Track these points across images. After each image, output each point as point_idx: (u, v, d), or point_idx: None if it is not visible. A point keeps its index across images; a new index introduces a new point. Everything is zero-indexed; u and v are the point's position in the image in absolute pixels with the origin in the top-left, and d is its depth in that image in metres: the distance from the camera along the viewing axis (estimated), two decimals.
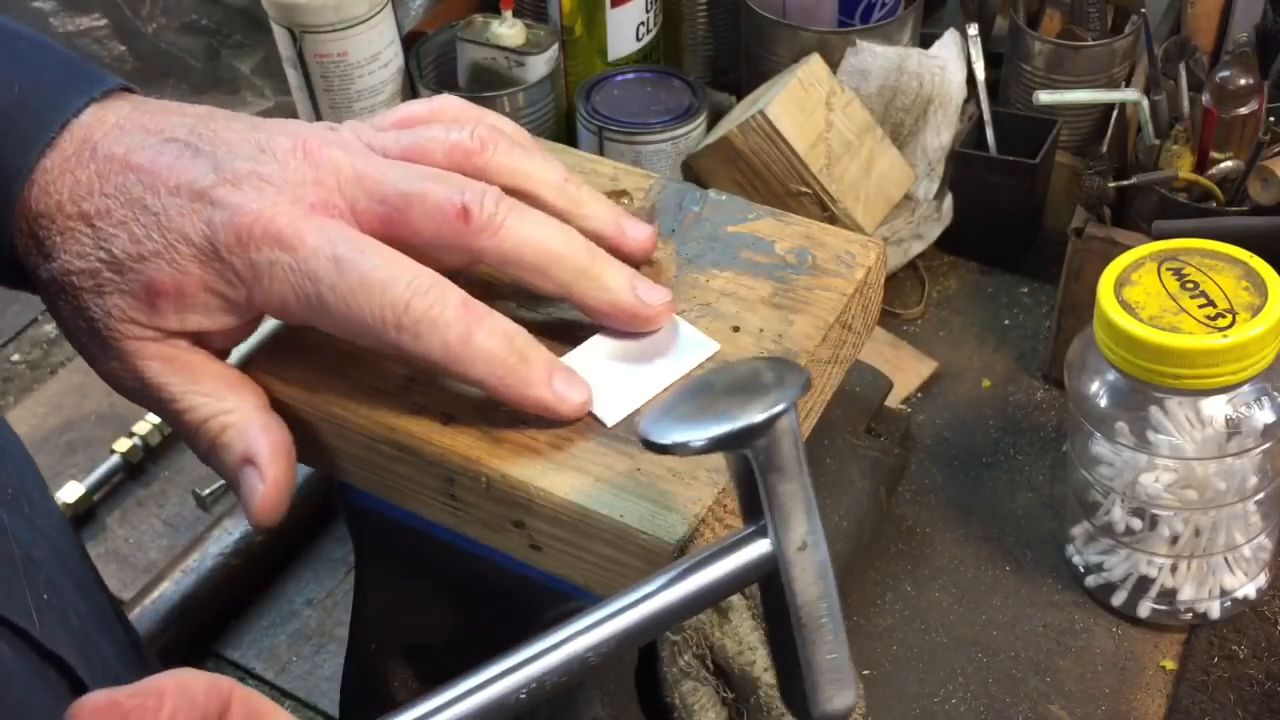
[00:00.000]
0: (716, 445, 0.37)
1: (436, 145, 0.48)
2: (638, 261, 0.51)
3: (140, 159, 0.45)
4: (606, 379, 0.47)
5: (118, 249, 0.45)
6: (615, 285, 0.47)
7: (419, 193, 0.45)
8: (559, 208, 0.49)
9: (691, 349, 0.48)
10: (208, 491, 0.86)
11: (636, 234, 0.51)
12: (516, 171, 0.49)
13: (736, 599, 0.61)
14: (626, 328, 0.48)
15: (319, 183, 0.45)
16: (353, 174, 0.46)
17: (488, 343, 0.44)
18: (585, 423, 0.46)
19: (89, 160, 0.45)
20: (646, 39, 1.06)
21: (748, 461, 0.38)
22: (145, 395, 0.47)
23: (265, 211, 0.44)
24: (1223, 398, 0.66)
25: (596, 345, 0.48)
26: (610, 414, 0.46)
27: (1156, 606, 0.74)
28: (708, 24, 1.10)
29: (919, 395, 0.90)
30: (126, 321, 0.45)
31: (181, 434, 0.48)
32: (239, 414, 0.46)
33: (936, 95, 0.95)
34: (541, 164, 0.50)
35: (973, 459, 0.85)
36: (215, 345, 0.47)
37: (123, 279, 0.45)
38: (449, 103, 0.51)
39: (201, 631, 0.77)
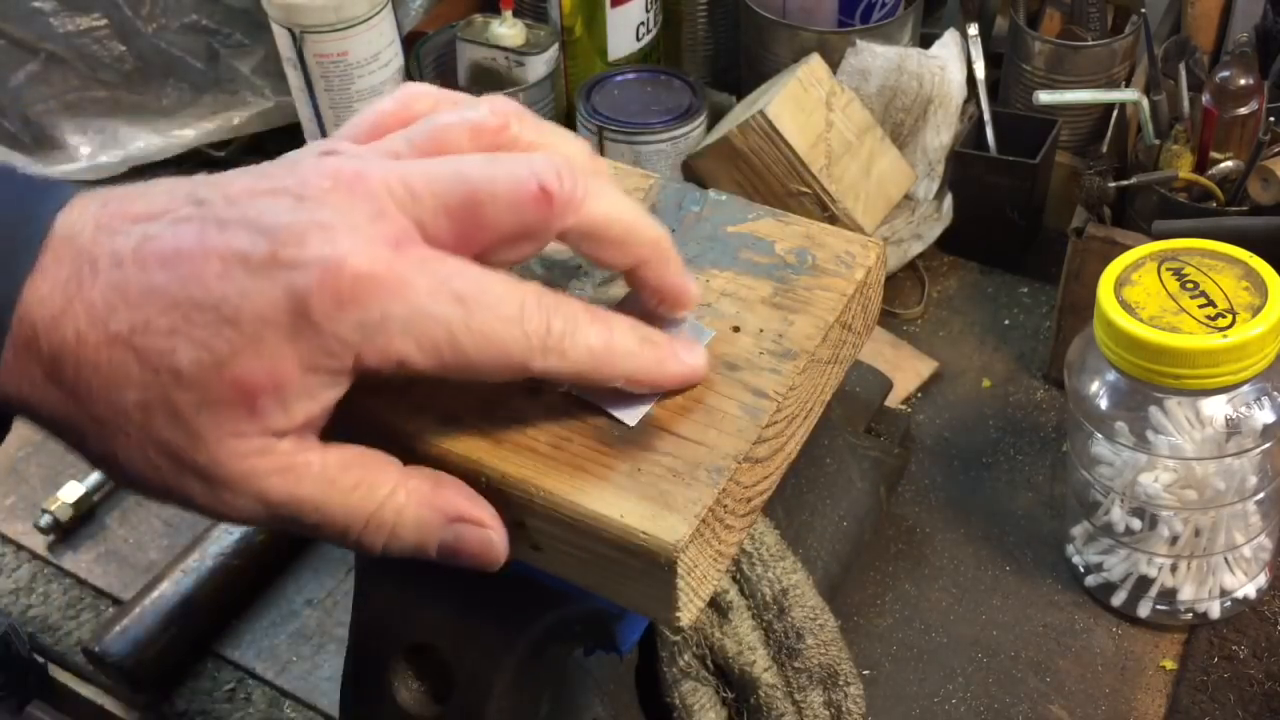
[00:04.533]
0: None
1: (456, 132, 0.43)
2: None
3: (159, 251, 0.38)
4: None
5: (183, 362, 0.37)
6: (679, 262, 0.46)
7: (487, 188, 0.40)
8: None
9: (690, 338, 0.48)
10: None
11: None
12: (546, 145, 0.44)
13: (736, 599, 0.61)
14: (670, 309, 0.47)
15: (382, 215, 0.39)
16: (405, 191, 0.40)
17: (625, 341, 0.43)
18: (589, 423, 0.46)
19: (93, 275, 0.38)
20: (646, 39, 1.06)
21: None
22: (278, 518, 0.40)
23: (353, 261, 0.37)
24: (1222, 398, 0.66)
25: None
26: (629, 415, 0.46)
27: (1157, 606, 0.74)
28: (708, 24, 1.10)
29: (919, 395, 0.90)
30: (227, 438, 0.38)
31: (339, 543, 0.42)
32: (402, 491, 0.42)
33: (936, 95, 0.95)
34: (562, 133, 0.45)
35: (973, 459, 0.85)
36: (318, 426, 0.41)
37: (204, 393, 0.37)
38: (415, 89, 0.46)
39: (201, 631, 0.77)
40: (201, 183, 0.40)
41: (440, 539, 0.42)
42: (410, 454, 0.47)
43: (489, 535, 0.43)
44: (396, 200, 0.39)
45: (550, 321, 0.40)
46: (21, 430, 0.95)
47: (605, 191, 0.42)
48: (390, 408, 0.48)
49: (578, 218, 0.41)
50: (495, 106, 0.44)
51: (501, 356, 0.40)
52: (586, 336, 0.41)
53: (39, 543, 0.85)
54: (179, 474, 0.39)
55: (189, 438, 0.38)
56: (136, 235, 0.38)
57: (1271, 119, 0.81)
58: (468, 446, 0.46)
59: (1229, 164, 0.83)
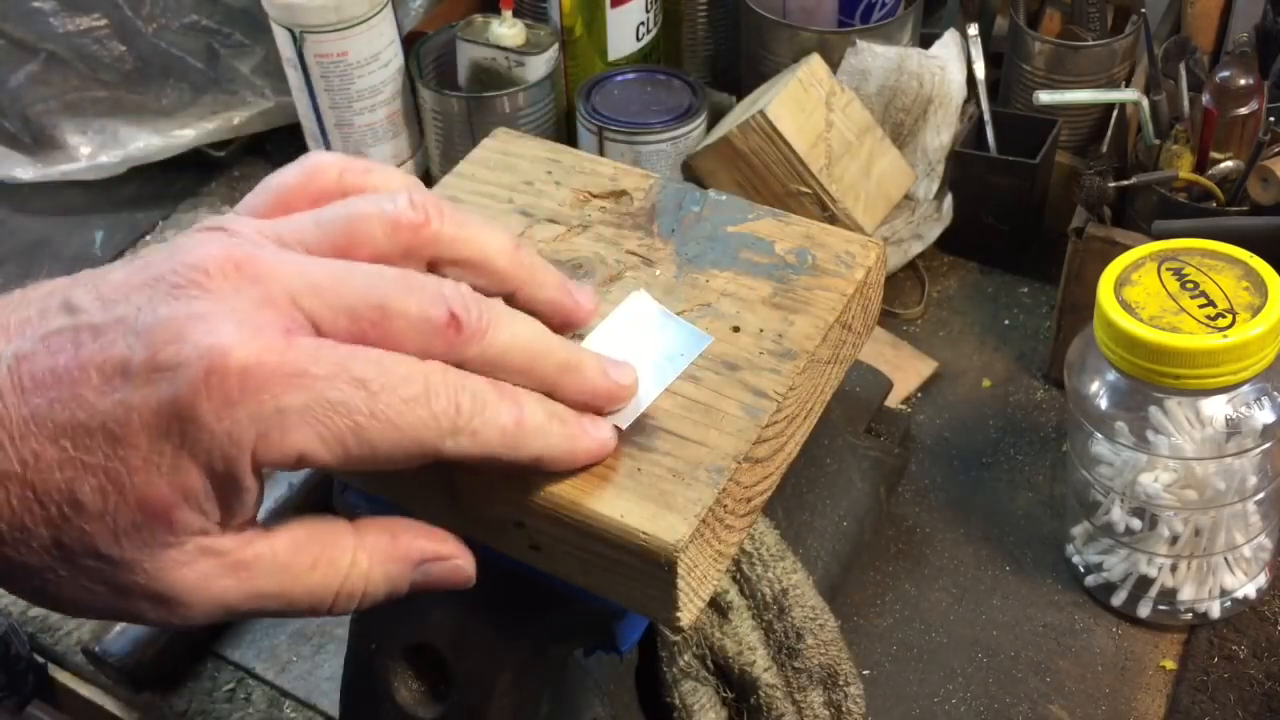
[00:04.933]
0: None
1: (372, 225, 0.40)
2: (581, 326, 0.47)
3: (33, 372, 0.35)
4: None
5: (83, 495, 0.35)
6: (592, 373, 0.44)
7: (398, 307, 0.38)
8: (514, 276, 0.43)
9: (687, 343, 0.48)
10: None
11: (584, 300, 0.46)
12: (469, 241, 0.42)
13: (736, 599, 0.61)
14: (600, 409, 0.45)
15: (271, 302, 0.36)
16: (305, 286, 0.37)
17: (534, 418, 0.41)
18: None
19: None
20: (646, 39, 1.06)
21: None
22: (243, 615, 0.39)
23: (238, 352, 0.34)
24: (1222, 398, 0.66)
25: (594, 348, 0.48)
26: (623, 418, 0.46)
27: (1157, 606, 0.74)
28: (708, 24, 1.10)
29: (919, 395, 0.90)
30: (159, 553, 0.36)
31: (312, 615, 0.41)
32: (363, 555, 0.40)
33: (936, 95, 0.95)
34: (487, 228, 0.43)
35: (973, 459, 0.85)
36: (249, 515, 0.38)
37: (114, 521, 0.35)
38: (319, 159, 0.43)
39: (201, 631, 0.77)
40: (77, 283, 0.37)
41: (411, 582, 0.42)
42: None
43: (456, 564, 0.43)
44: (294, 293, 0.37)
45: (459, 400, 0.38)
46: None
47: (514, 319, 0.41)
48: None
49: (482, 347, 0.40)
50: (415, 198, 0.41)
51: (409, 442, 0.37)
52: (496, 414, 0.39)
53: None
54: (124, 599, 0.37)
55: (119, 566, 0.36)
56: (8, 357, 0.35)
57: (1271, 119, 0.81)
58: None
59: (1229, 164, 0.83)
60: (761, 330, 0.49)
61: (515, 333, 0.41)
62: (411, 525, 0.42)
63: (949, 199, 0.97)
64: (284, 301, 0.36)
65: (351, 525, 0.41)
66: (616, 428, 0.45)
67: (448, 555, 0.43)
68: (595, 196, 0.56)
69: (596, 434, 0.44)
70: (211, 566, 0.37)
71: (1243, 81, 0.81)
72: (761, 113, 0.87)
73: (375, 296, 0.38)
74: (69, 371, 0.35)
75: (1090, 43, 0.98)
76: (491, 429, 0.39)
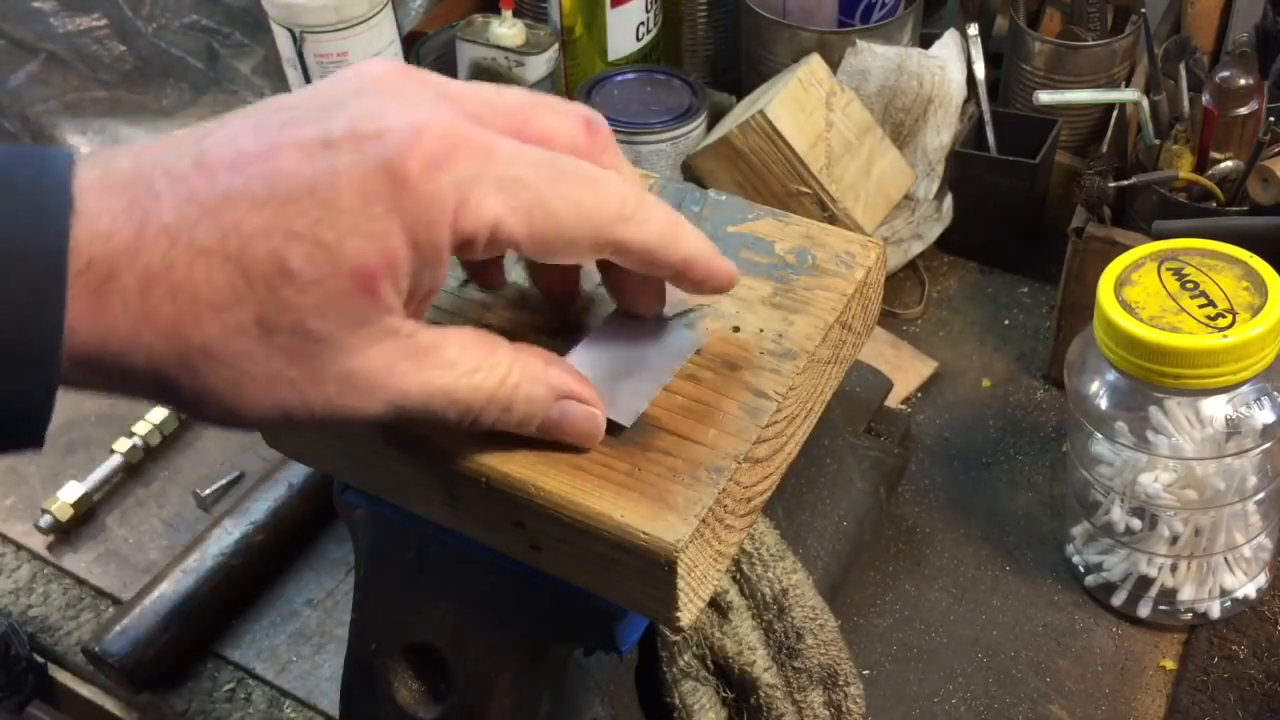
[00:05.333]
0: None
1: (555, 112, 0.42)
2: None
3: (222, 158, 0.35)
4: (610, 381, 0.47)
5: (292, 261, 0.34)
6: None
7: (542, 101, 0.41)
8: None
9: (682, 344, 0.48)
10: (208, 491, 0.86)
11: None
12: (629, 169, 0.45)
13: (736, 599, 0.61)
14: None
15: (446, 98, 0.38)
16: (460, 89, 0.39)
17: (686, 224, 0.43)
18: None
19: (154, 197, 0.34)
20: (646, 39, 1.06)
21: None
22: (404, 414, 0.39)
23: (437, 123, 0.36)
24: (1222, 398, 0.66)
25: (591, 350, 0.48)
26: (625, 415, 0.46)
27: (1157, 606, 0.74)
28: (708, 24, 1.10)
29: (919, 395, 0.90)
30: (356, 331, 0.36)
31: (446, 426, 0.40)
32: (517, 369, 0.41)
33: (936, 95, 0.95)
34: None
35: (973, 459, 0.85)
36: (426, 308, 0.40)
37: (322, 289, 0.35)
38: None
39: (201, 631, 0.77)
40: (251, 108, 0.38)
41: (545, 415, 0.42)
42: (410, 453, 0.47)
43: (593, 412, 0.43)
44: (451, 93, 0.39)
45: (624, 193, 0.40)
46: None
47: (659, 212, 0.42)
48: None
49: (618, 163, 0.42)
50: (593, 121, 0.42)
51: (588, 222, 0.39)
52: (658, 212, 0.41)
53: (39, 543, 0.85)
54: (315, 384, 0.36)
55: (319, 341, 0.35)
56: (190, 151, 0.35)
57: (1271, 119, 0.81)
58: (468, 446, 0.46)
59: (1229, 164, 0.83)
60: (761, 330, 0.49)
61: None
62: (563, 362, 0.44)
63: (949, 199, 0.97)
64: (455, 99, 0.38)
65: (509, 343, 0.42)
66: (619, 426, 0.45)
67: (589, 400, 0.43)
68: None
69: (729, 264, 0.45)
70: (395, 347, 0.37)
71: (1243, 81, 0.81)
72: (761, 113, 0.87)
73: (526, 104, 0.40)
74: (261, 153, 0.35)
75: (1090, 43, 0.98)
76: (656, 222, 0.41)
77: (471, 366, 0.40)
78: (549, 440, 0.44)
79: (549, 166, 0.38)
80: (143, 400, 0.37)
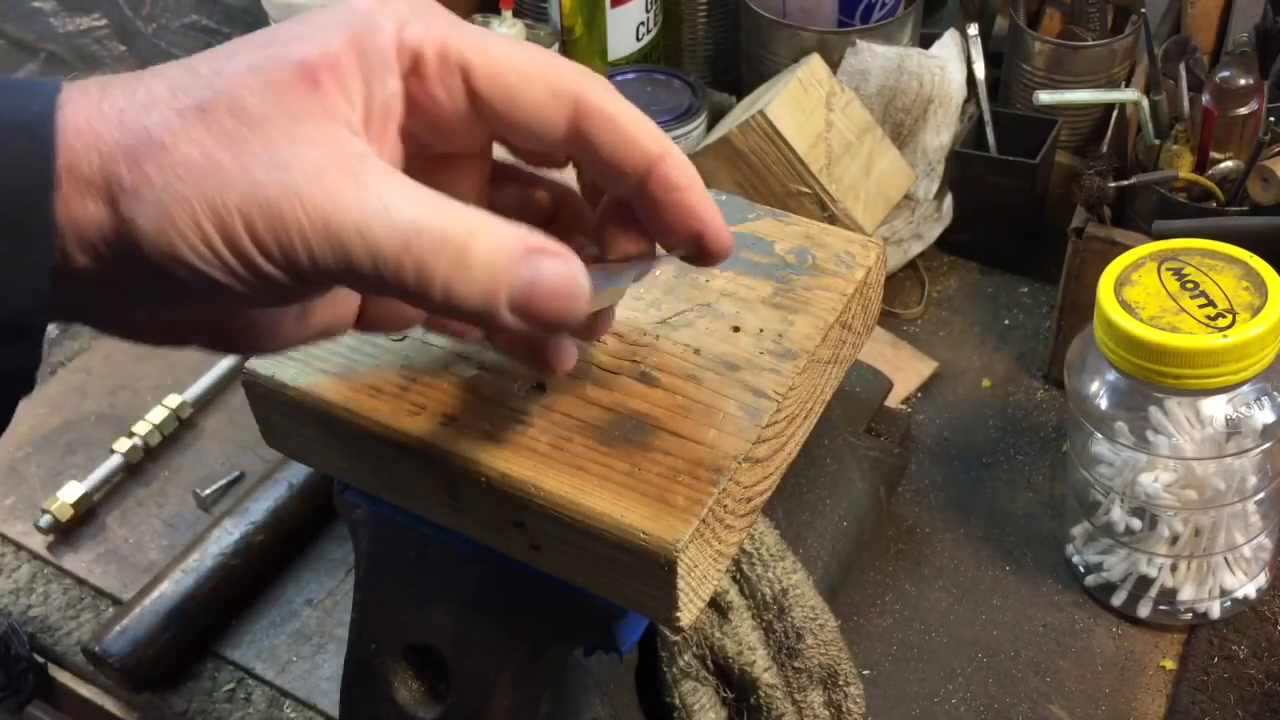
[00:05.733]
0: None
1: None
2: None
3: (186, 66, 0.36)
4: None
5: (238, 58, 0.35)
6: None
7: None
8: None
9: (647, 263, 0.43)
10: (208, 491, 0.86)
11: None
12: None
13: (736, 599, 0.61)
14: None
15: None
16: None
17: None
18: (589, 423, 0.46)
19: (140, 79, 0.36)
20: (646, 39, 1.06)
21: None
22: (348, 237, 0.34)
23: None
24: (1222, 398, 0.66)
25: None
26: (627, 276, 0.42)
27: (1157, 606, 0.74)
28: (708, 24, 1.10)
29: (919, 395, 0.90)
30: (294, 118, 0.35)
31: (406, 276, 0.35)
32: (479, 215, 0.36)
33: (936, 95, 0.95)
34: None
35: (973, 459, 0.85)
36: (382, 137, 0.38)
37: (262, 78, 0.35)
38: None
39: (201, 631, 0.77)
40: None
41: (514, 278, 0.35)
42: (410, 454, 0.47)
43: (572, 270, 0.36)
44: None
45: (586, 71, 0.39)
46: (21, 430, 0.94)
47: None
48: (392, 409, 0.48)
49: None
50: None
51: (547, 66, 0.38)
52: (622, 100, 0.39)
53: (39, 543, 0.85)
54: (240, 170, 0.34)
55: (253, 128, 0.35)
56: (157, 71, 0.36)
57: (1271, 119, 0.81)
58: (468, 446, 0.46)
59: (1229, 164, 0.83)
60: (761, 330, 0.49)
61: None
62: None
63: (949, 199, 0.97)
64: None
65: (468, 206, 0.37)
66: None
67: (561, 253, 0.36)
68: None
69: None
70: (338, 155, 0.35)
71: (1243, 81, 0.81)
72: (761, 113, 0.87)
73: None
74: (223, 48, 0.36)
75: (1090, 43, 0.98)
76: (627, 103, 0.39)
77: (425, 197, 0.35)
78: (521, 329, 0.36)
79: (508, 39, 0.38)
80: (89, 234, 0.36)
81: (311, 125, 0.35)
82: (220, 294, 0.36)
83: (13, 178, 0.34)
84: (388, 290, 0.35)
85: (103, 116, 0.35)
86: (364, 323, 0.44)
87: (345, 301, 0.43)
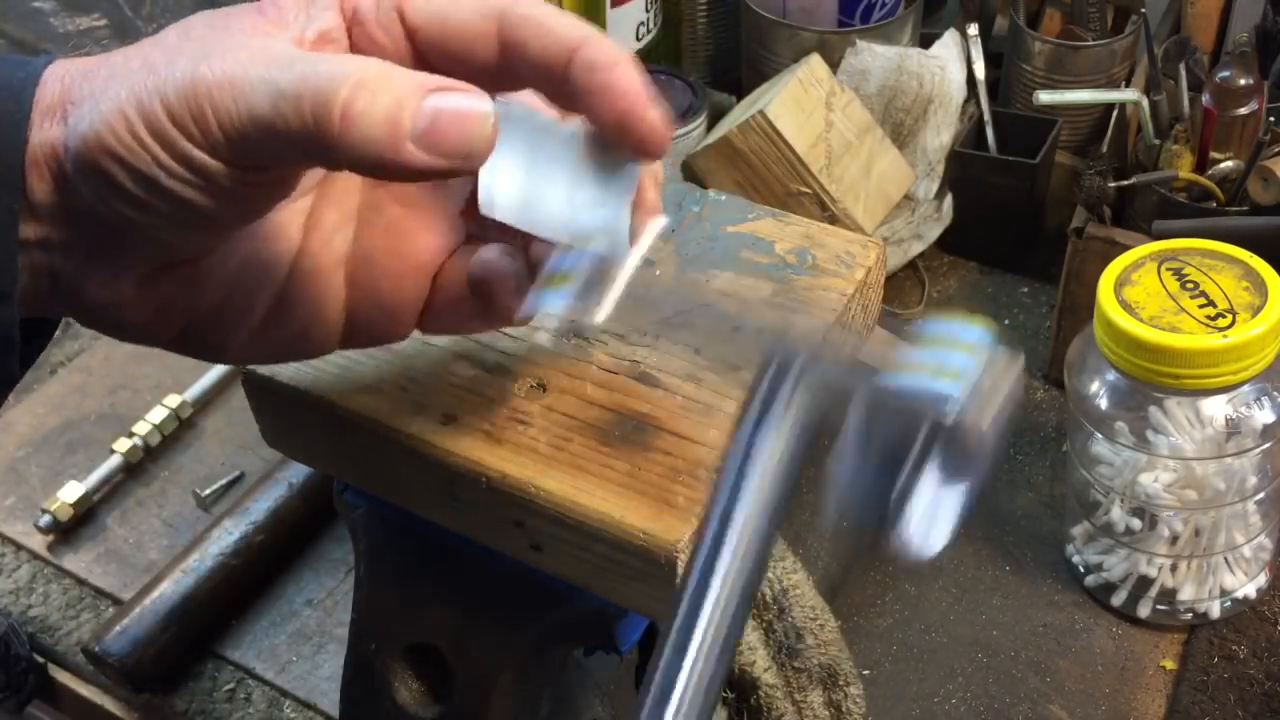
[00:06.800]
0: None
1: None
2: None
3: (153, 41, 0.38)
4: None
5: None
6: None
7: None
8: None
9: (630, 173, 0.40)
10: (208, 491, 0.86)
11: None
12: None
13: None
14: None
15: None
16: None
17: None
18: (589, 423, 0.46)
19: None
20: (646, 39, 1.06)
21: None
22: (285, 85, 0.35)
23: None
24: (1222, 398, 0.66)
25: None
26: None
27: (1157, 606, 0.74)
28: (708, 24, 1.10)
29: None
30: (242, 34, 0.36)
31: (325, 111, 0.35)
32: (383, 64, 0.36)
33: (936, 95, 0.95)
34: None
35: None
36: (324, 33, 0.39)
37: (222, 8, 0.37)
38: None
39: (201, 631, 0.77)
40: None
41: (416, 106, 0.35)
42: (411, 454, 0.47)
43: (474, 100, 0.36)
44: None
45: None
46: (21, 430, 0.94)
47: None
48: (392, 409, 0.48)
49: None
50: None
51: None
52: (545, 3, 0.38)
53: (39, 543, 0.85)
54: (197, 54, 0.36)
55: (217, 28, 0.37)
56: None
57: (1271, 119, 0.81)
58: (468, 446, 0.46)
59: (1229, 164, 0.83)
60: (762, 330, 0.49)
61: None
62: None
63: (949, 199, 0.97)
64: None
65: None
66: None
67: (464, 88, 0.36)
68: None
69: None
70: (280, 48, 0.36)
71: (1243, 81, 0.81)
72: (761, 112, 0.87)
73: None
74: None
75: (1090, 43, 0.98)
76: None
77: (328, 55, 0.37)
78: (420, 166, 0.36)
79: None
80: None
81: (249, 32, 0.37)
82: (158, 200, 0.36)
83: None
84: (295, 138, 0.35)
85: (75, 63, 0.38)
86: (353, 336, 0.44)
87: (325, 299, 0.43)
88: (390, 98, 0.35)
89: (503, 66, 0.39)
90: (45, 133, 0.37)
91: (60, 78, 0.37)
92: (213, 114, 0.35)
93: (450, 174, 0.36)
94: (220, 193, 0.37)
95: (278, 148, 0.36)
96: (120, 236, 0.38)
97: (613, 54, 0.38)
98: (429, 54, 0.39)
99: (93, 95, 0.36)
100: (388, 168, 0.35)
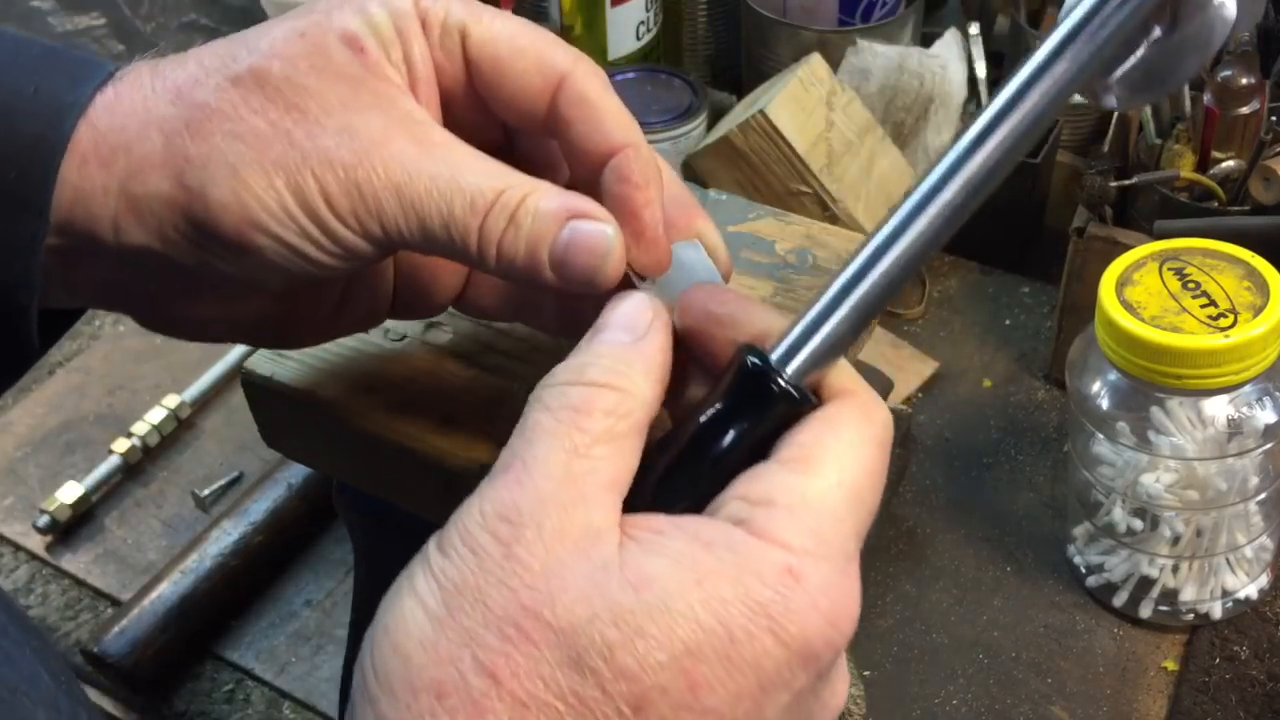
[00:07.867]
0: None
1: None
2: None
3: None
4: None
5: (279, 29, 0.37)
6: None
7: None
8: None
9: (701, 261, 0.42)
10: (207, 492, 0.86)
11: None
12: None
13: None
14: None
15: None
16: None
17: None
18: None
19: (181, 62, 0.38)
20: (646, 39, 1.06)
21: None
22: (418, 200, 0.36)
23: None
24: (1224, 398, 0.66)
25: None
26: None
27: (1158, 607, 0.74)
28: (708, 24, 1.10)
29: (919, 395, 0.90)
30: (347, 84, 0.36)
31: (456, 236, 0.37)
32: (528, 179, 0.38)
33: (937, 94, 0.95)
34: None
35: (973, 459, 0.85)
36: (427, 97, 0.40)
37: (307, 45, 0.37)
38: None
39: (200, 632, 0.77)
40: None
41: (553, 240, 0.37)
42: (409, 454, 0.47)
43: (604, 230, 0.37)
44: None
45: (582, 57, 0.40)
46: (19, 430, 0.94)
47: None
48: (391, 409, 0.47)
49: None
50: None
51: (545, 54, 0.39)
52: (608, 90, 0.40)
53: (37, 543, 0.85)
54: (306, 136, 0.36)
55: (311, 96, 0.36)
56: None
57: (1273, 118, 0.81)
58: (467, 447, 0.46)
59: (1230, 163, 0.83)
60: None
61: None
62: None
63: None
64: None
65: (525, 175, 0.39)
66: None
67: (602, 218, 0.38)
68: None
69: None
70: (399, 121, 0.37)
71: (1244, 81, 0.81)
72: (761, 112, 0.87)
73: None
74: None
75: None
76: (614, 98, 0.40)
77: (481, 165, 0.37)
78: (554, 284, 0.38)
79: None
80: (150, 224, 0.37)
81: (366, 92, 0.37)
82: (290, 264, 0.37)
83: (27, 155, 0.36)
84: (452, 252, 0.37)
85: (156, 96, 0.37)
86: (397, 309, 0.45)
87: (382, 287, 0.44)
88: (532, 227, 0.37)
89: (545, 125, 0.40)
90: (149, 186, 0.36)
91: (151, 122, 0.36)
92: (377, 213, 0.36)
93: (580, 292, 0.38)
94: (354, 260, 0.38)
95: (429, 249, 0.38)
96: (216, 279, 0.38)
97: (646, 174, 0.39)
98: (480, 87, 0.40)
99: (219, 155, 0.36)
100: (523, 283, 0.38)
